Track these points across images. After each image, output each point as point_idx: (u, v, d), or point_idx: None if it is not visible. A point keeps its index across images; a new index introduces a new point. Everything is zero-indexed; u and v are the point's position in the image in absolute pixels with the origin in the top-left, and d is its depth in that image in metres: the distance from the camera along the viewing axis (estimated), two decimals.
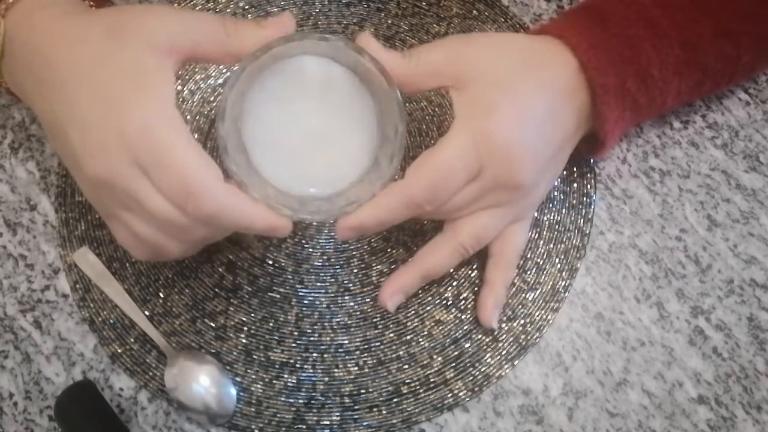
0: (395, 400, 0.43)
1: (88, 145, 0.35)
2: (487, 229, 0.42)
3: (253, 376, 0.43)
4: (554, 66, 0.41)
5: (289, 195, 0.38)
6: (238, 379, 0.43)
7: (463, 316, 0.45)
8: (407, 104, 0.50)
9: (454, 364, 0.44)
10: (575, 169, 0.48)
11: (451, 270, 0.45)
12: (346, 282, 0.46)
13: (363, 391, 0.43)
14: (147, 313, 0.45)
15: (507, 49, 0.42)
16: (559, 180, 0.48)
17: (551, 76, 0.41)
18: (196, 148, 0.35)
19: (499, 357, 0.44)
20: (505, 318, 0.45)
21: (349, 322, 0.45)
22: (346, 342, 0.44)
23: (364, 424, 0.42)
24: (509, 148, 0.39)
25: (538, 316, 0.45)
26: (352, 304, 0.45)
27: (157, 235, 0.37)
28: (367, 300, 0.45)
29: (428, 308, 0.45)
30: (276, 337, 0.44)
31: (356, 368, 0.44)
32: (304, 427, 0.42)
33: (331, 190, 0.39)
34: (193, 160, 0.34)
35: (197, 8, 0.52)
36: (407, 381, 0.43)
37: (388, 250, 0.46)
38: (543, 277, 0.46)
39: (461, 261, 0.43)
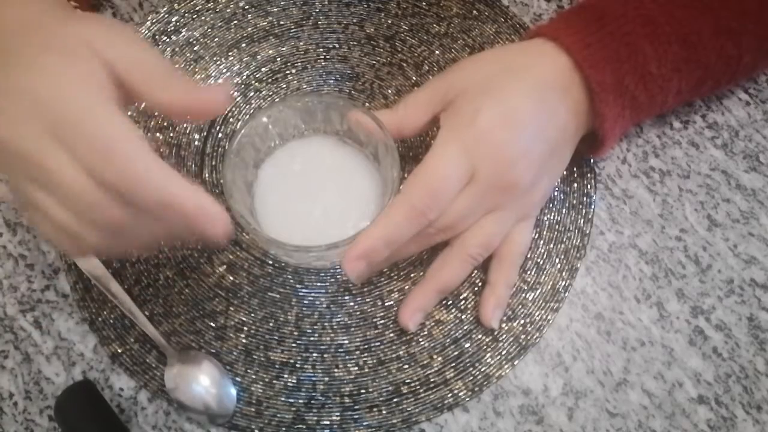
0: (395, 400, 0.43)
1: (6, 111, 0.31)
2: (493, 235, 0.42)
3: (253, 376, 0.43)
4: (541, 66, 0.41)
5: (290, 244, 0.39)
6: (238, 379, 0.43)
7: (463, 316, 0.45)
8: None
9: (454, 364, 0.44)
10: (575, 169, 0.48)
11: None
12: (346, 282, 0.46)
13: (363, 391, 0.43)
14: (147, 313, 0.45)
15: (489, 60, 0.43)
16: (559, 180, 0.48)
17: (537, 75, 0.41)
18: (118, 111, 0.31)
19: (499, 357, 0.44)
20: (505, 318, 0.45)
21: (349, 322, 0.45)
22: (346, 342, 0.44)
23: (364, 424, 0.42)
24: (498, 147, 0.39)
25: (538, 316, 0.45)
26: (352, 304, 0.45)
27: (71, 221, 0.32)
28: (367, 300, 0.45)
29: None
30: (276, 337, 0.44)
31: (356, 368, 0.44)
32: (304, 427, 0.42)
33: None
34: (115, 119, 0.31)
35: (197, 8, 0.53)
36: (407, 381, 0.43)
37: None
38: (543, 277, 0.46)
39: (472, 270, 0.44)
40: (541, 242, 0.46)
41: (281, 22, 0.52)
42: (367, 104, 0.50)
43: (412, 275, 0.46)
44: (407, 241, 0.39)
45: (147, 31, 0.52)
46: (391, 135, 0.41)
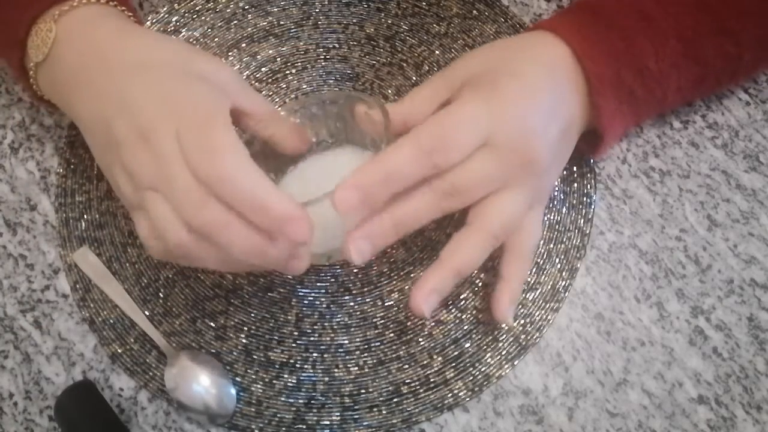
0: (395, 400, 0.43)
1: (135, 127, 0.36)
2: (512, 214, 0.40)
3: (253, 376, 0.43)
4: (547, 53, 0.41)
5: None
6: (238, 379, 0.43)
7: (463, 316, 0.45)
8: None
9: (454, 364, 0.44)
10: (575, 169, 0.48)
11: None
12: (346, 282, 0.46)
13: (363, 391, 0.43)
14: (147, 313, 0.45)
15: (495, 49, 0.43)
16: (559, 180, 0.48)
17: (549, 56, 0.41)
18: (231, 126, 0.35)
19: (499, 357, 0.44)
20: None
21: (349, 322, 0.45)
22: (346, 342, 0.44)
23: (364, 424, 0.42)
24: (520, 120, 0.39)
25: (538, 316, 0.45)
26: (352, 304, 0.45)
27: (173, 222, 0.35)
28: (367, 300, 0.45)
29: None
30: (276, 337, 0.44)
31: (356, 368, 0.44)
32: (304, 427, 0.42)
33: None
34: (229, 134, 0.34)
35: (197, 8, 0.53)
36: (407, 381, 0.43)
37: (388, 250, 0.46)
38: (543, 277, 0.46)
39: (490, 253, 0.40)
40: (541, 242, 0.46)
41: (281, 22, 0.52)
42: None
43: (412, 275, 0.46)
44: (417, 203, 0.37)
45: None
46: (393, 131, 0.39)
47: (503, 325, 0.44)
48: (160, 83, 0.37)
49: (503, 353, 0.44)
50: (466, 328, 0.44)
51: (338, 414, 0.43)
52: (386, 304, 0.45)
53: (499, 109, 0.38)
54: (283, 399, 0.43)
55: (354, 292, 0.45)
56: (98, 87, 0.38)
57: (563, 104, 0.41)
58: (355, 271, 0.46)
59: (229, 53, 0.52)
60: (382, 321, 0.45)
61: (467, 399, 0.43)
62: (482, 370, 0.43)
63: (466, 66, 0.42)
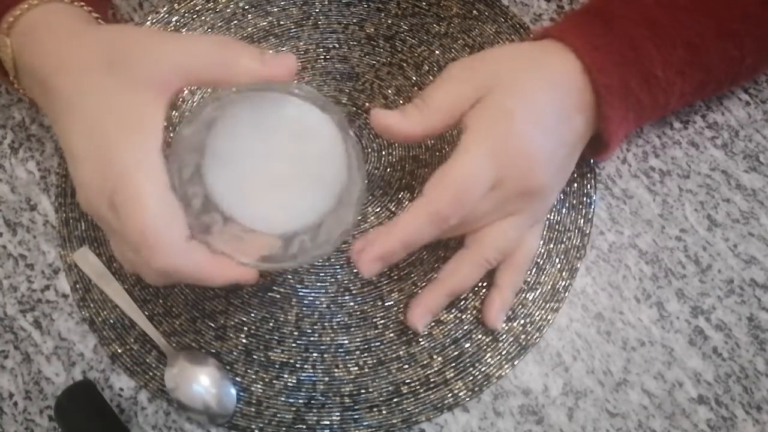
0: (395, 400, 0.43)
1: (77, 177, 0.37)
2: (510, 240, 0.42)
3: (253, 376, 0.43)
4: (559, 67, 0.41)
5: (254, 232, 0.38)
6: (238, 379, 0.43)
7: (463, 316, 0.45)
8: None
9: (454, 364, 0.44)
10: (575, 169, 0.48)
11: None
12: (346, 282, 0.46)
13: (363, 391, 0.43)
14: (147, 313, 0.45)
15: (511, 55, 0.42)
16: None
17: (558, 77, 0.41)
18: (165, 202, 0.35)
19: (499, 357, 0.44)
20: (505, 318, 0.45)
21: (349, 322, 0.45)
22: (346, 342, 0.44)
23: (364, 424, 0.42)
24: (527, 154, 0.39)
25: (538, 316, 0.45)
26: (352, 304, 0.45)
27: (137, 262, 0.37)
28: (367, 300, 0.45)
29: None
30: (276, 337, 0.44)
31: (356, 368, 0.44)
32: (304, 427, 0.42)
33: (289, 228, 0.39)
34: (156, 215, 0.35)
35: (197, 8, 0.53)
36: (407, 381, 0.43)
37: None
38: (543, 277, 0.46)
39: (485, 274, 0.43)
40: (541, 242, 0.46)
41: (281, 22, 0.52)
42: (367, 104, 0.50)
43: (412, 275, 0.46)
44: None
45: None
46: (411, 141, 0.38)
47: (495, 330, 0.44)
48: (95, 128, 0.36)
49: (503, 353, 0.44)
50: (466, 328, 0.44)
51: (338, 414, 0.43)
52: (386, 304, 0.45)
53: (508, 152, 0.38)
54: (283, 399, 0.43)
55: (354, 292, 0.45)
56: (56, 115, 0.38)
57: (571, 127, 0.41)
58: (355, 271, 0.46)
59: None
60: (382, 321, 0.45)
61: (467, 399, 0.43)
62: (482, 370, 0.43)
63: (487, 74, 0.40)
